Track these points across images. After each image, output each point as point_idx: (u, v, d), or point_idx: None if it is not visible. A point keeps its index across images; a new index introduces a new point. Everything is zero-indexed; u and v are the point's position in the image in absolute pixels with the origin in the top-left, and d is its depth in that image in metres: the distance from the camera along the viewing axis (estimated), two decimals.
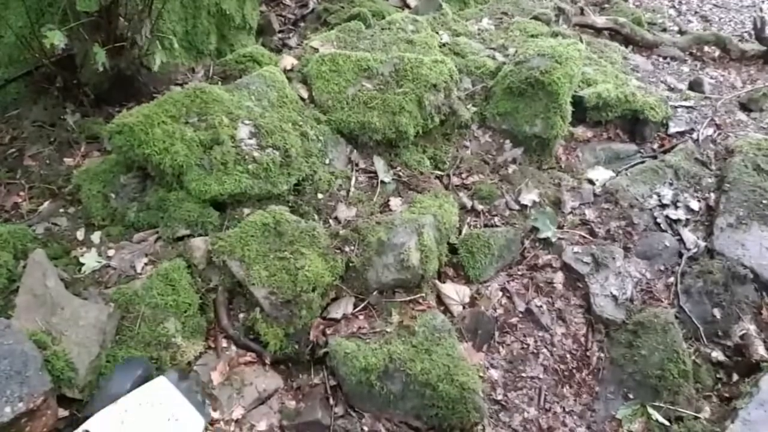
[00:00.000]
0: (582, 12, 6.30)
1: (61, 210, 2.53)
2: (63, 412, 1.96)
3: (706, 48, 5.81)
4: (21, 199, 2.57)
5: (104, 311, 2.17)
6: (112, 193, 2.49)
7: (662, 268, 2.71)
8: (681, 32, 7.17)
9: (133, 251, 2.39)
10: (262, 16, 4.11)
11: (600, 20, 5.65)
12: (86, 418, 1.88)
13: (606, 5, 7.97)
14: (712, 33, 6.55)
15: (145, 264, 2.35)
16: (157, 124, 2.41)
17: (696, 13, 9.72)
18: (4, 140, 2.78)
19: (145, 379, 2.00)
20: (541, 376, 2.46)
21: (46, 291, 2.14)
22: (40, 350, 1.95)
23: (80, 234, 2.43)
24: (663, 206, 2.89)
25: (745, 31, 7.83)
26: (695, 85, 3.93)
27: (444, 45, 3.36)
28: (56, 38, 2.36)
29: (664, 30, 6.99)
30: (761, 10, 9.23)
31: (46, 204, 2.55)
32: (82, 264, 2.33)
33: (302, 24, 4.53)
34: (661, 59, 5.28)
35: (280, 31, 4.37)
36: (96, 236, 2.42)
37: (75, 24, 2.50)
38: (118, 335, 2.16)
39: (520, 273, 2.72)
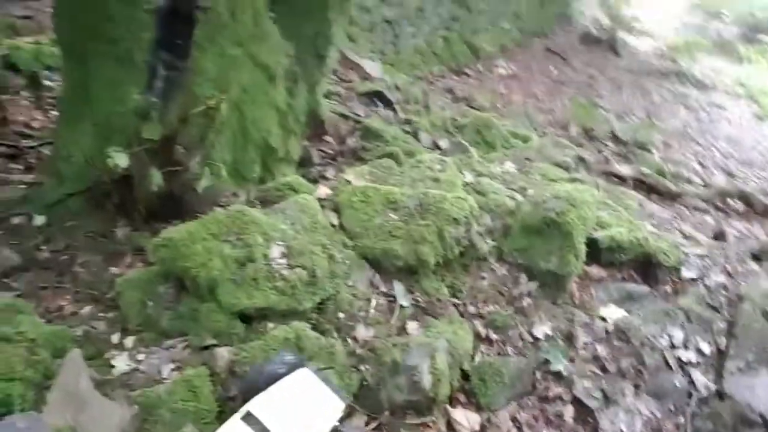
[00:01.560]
0: (607, 161, 6.65)
1: (101, 314, 2.73)
2: None
3: (729, 201, 5.97)
4: (66, 302, 2.78)
5: (128, 413, 2.29)
6: (149, 300, 2.69)
7: (672, 407, 2.74)
8: (705, 185, 7.43)
9: (162, 357, 2.54)
10: (303, 149, 4.49)
11: (624, 169, 5.94)
12: None
13: (631, 156, 8.36)
14: (737, 187, 6.78)
15: (172, 369, 2.48)
16: (199, 240, 2.66)
17: (721, 168, 10.07)
18: (59, 248, 3.05)
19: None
20: None
21: (77, 390, 2.28)
22: None
23: (115, 338, 2.60)
24: (674, 347, 2.96)
25: None
26: (719, 236, 4.08)
27: (467, 184, 3.63)
28: (121, 160, 2.70)
29: (689, 182, 7.26)
30: None
31: (87, 308, 2.75)
32: (114, 366, 2.48)
33: (340, 158, 4.92)
34: (684, 209, 5.47)
35: (319, 164, 4.75)
36: (129, 340, 2.59)
37: (137, 149, 2.84)
38: None
39: (530, 404, 2.76)
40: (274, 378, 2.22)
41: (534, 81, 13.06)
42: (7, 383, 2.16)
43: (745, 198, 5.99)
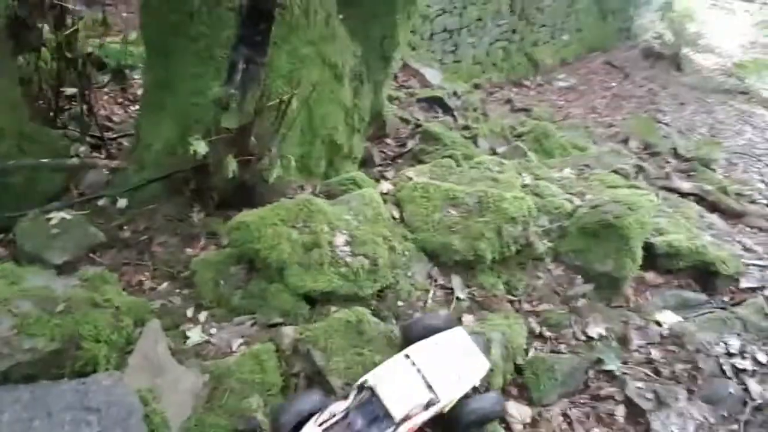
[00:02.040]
0: (667, 176, 6.56)
1: (177, 291, 2.92)
2: None
3: None
4: (145, 278, 3.00)
5: (200, 380, 2.46)
6: (222, 280, 2.87)
7: (725, 414, 2.73)
8: None
9: (232, 332, 2.71)
10: (365, 150, 4.65)
11: (686, 185, 5.84)
12: None
13: (692, 173, 8.21)
14: None
15: (240, 344, 2.65)
16: (270, 225, 2.83)
17: None
18: (139, 228, 3.28)
19: None
20: None
21: (156, 356, 2.47)
22: (143, 405, 2.23)
23: (190, 312, 2.79)
24: (730, 355, 2.95)
25: None
26: None
27: (525, 186, 3.70)
28: (200, 147, 2.89)
29: (752, 202, 7.07)
30: None
31: (165, 284, 2.96)
32: (188, 337, 2.66)
33: (400, 160, 5.06)
34: (747, 229, 5.37)
35: (379, 165, 4.90)
36: (203, 315, 2.78)
37: (215, 138, 3.03)
38: (208, 403, 2.42)
39: (582, 401, 2.81)
40: (432, 329, 2.49)
41: (594, 95, 12.96)
42: (95, 344, 2.36)
43: None
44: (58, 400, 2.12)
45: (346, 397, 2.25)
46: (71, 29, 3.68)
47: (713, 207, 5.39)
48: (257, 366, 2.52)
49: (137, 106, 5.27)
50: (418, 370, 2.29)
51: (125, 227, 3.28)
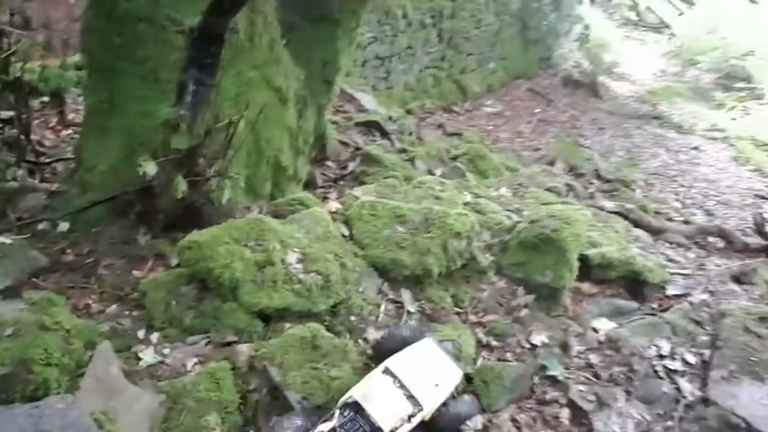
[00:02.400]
0: (592, 196, 6.91)
1: (126, 312, 2.88)
2: None
3: (710, 238, 6.15)
4: (92, 301, 2.94)
5: (155, 399, 2.44)
6: (173, 300, 2.85)
7: (661, 412, 2.93)
8: (686, 222, 7.69)
9: (186, 351, 2.70)
10: (308, 172, 4.71)
11: (609, 204, 6.16)
12: None
13: (615, 192, 8.65)
14: (716, 225, 7.04)
15: (195, 363, 2.64)
16: (222, 244, 2.84)
17: (700, 207, 10.44)
18: (83, 252, 3.21)
19: None
20: None
21: (108, 377, 2.43)
22: (98, 428, 2.20)
23: (141, 333, 2.76)
24: (661, 357, 3.16)
25: (747, 226, 8.37)
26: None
27: (467, 203, 3.85)
28: (149, 168, 2.89)
29: (670, 220, 7.50)
30: (760, 207, 9.90)
31: (113, 307, 2.91)
32: (141, 358, 2.63)
33: (341, 182, 5.14)
34: (666, 245, 5.71)
35: (321, 186, 4.96)
36: (155, 336, 2.75)
37: (164, 159, 3.03)
38: (165, 423, 2.40)
39: (528, 406, 2.94)
40: (402, 340, 2.61)
41: (520, 120, 13.49)
42: (46, 368, 2.31)
43: (724, 236, 6.23)
44: (10, 425, 2.07)
45: (330, 417, 2.29)
46: (7, 53, 3.59)
47: (635, 224, 5.71)
48: (213, 384, 2.52)
49: (70, 131, 5.17)
50: (400, 383, 2.38)
51: (68, 251, 3.20)
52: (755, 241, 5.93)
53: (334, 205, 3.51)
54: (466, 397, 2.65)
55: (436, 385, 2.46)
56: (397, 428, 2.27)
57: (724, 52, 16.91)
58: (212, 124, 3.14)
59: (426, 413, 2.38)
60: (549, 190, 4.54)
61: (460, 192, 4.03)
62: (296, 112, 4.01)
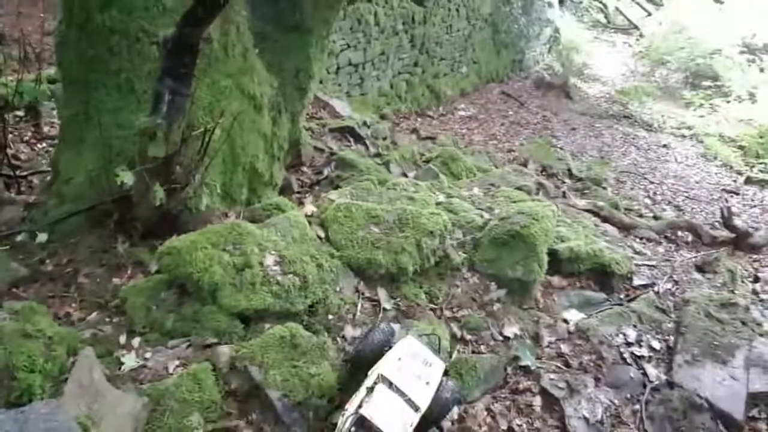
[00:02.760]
0: (564, 195, 7.06)
1: (107, 319, 2.93)
2: None
3: (679, 233, 6.36)
4: (73, 309, 2.98)
5: (138, 402, 2.49)
6: (153, 305, 2.91)
7: (628, 396, 3.06)
8: (656, 218, 7.89)
9: (168, 355, 2.76)
10: (284, 178, 4.79)
11: (580, 203, 6.32)
12: None
13: (586, 191, 8.83)
14: (685, 220, 7.24)
15: (177, 366, 2.70)
16: (200, 248, 2.91)
17: (670, 203, 10.69)
18: (62, 262, 3.25)
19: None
20: None
21: (91, 382, 2.48)
22: (83, 431, 2.26)
23: (122, 339, 2.81)
24: (628, 344, 3.30)
25: (716, 220, 8.61)
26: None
27: (439, 203, 3.96)
28: (127, 177, 2.96)
29: (641, 216, 7.69)
30: (727, 201, 10.17)
31: (94, 314, 2.96)
32: (123, 363, 2.69)
33: (317, 187, 5.22)
34: (637, 240, 5.88)
35: (297, 192, 5.04)
36: (136, 341, 2.80)
37: (140, 168, 3.09)
38: (149, 424, 2.46)
39: (503, 396, 3.05)
40: (379, 344, 2.69)
41: (493, 122, 13.68)
42: (30, 374, 2.37)
43: (693, 230, 6.42)
44: None
45: None
46: None
47: (606, 221, 5.86)
48: (196, 385, 2.58)
49: (44, 144, 5.19)
50: (397, 389, 2.44)
51: (47, 261, 3.24)
52: (723, 233, 6.13)
53: (310, 208, 3.60)
54: (450, 382, 2.70)
55: (427, 383, 2.54)
56: None
57: (692, 51, 17.31)
58: (188, 133, 3.20)
59: (423, 411, 2.45)
60: (520, 188, 4.67)
61: (433, 193, 4.14)
62: (270, 119, 4.09)
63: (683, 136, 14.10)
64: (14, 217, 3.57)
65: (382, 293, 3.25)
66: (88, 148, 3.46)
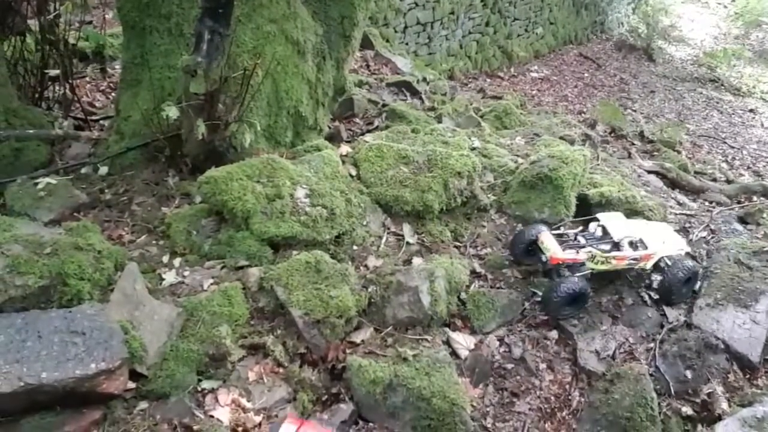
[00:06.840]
0: (629, 156, 6.88)
1: (153, 242, 3.23)
2: (131, 384, 2.51)
3: (754, 198, 6.03)
4: (125, 233, 3.30)
5: (174, 312, 2.77)
6: (194, 230, 3.19)
7: (644, 334, 3.09)
8: (729, 182, 7.56)
9: (203, 274, 3.03)
10: (333, 127, 4.97)
11: (647, 164, 6.14)
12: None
13: (656, 153, 8.56)
14: (761, 183, 6.89)
15: (211, 283, 2.96)
16: (236, 179, 3.14)
17: (749, 167, 10.20)
18: (119, 191, 3.58)
19: None
20: (527, 412, 2.83)
21: (134, 292, 2.78)
22: (123, 332, 2.54)
23: (165, 259, 3.10)
24: (650, 287, 3.31)
25: None
26: None
27: (474, 148, 4.04)
28: (172, 111, 3.21)
29: (714, 180, 7.40)
30: None
31: (142, 237, 3.26)
32: (164, 279, 2.98)
33: (365, 136, 5.37)
34: (707, 203, 5.71)
35: (347, 141, 5.21)
36: (177, 261, 3.09)
37: (185, 104, 3.34)
38: (182, 332, 2.73)
39: (518, 329, 3.15)
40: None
41: (566, 84, 13.37)
42: (79, 281, 2.67)
43: None
44: (47, 325, 2.41)
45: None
46: (54, 13, 3.97)
47: (674, 184, 5.67)
48: (226, 300, 2.83)
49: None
50: (630, 224, 3.30)
51: (106, 191, 3.58)
52: None
53: (345, 148, 3.77)
54: (689, 262, 3.32)
55: (663, 242, 3.27)
56: (622, 246, 3.19)
57: None
58: (228, 72, 3.42)
59: (646, 256, 3.19)
60: (562, 138, 4.65)
61: (470, 138, 4.21)
62: (315, 65, 4.25)
63: None
64: (81, 153, 3.93)
65: (406, 228, 3.39)
66: (143, 88, 3.75)
